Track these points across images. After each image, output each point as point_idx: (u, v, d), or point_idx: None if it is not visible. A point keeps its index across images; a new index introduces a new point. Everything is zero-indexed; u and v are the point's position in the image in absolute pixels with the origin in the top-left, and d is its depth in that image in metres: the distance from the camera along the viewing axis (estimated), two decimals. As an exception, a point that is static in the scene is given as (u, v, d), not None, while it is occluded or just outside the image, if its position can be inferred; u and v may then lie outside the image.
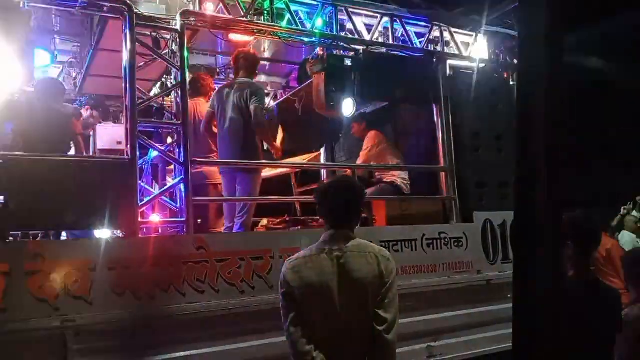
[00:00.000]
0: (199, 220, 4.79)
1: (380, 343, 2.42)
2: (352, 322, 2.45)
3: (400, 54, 5.47)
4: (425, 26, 5.67)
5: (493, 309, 4.94)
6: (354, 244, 2.57)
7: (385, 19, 5.40)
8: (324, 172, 7.07)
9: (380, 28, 5.40)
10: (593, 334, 2.68)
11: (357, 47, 5.25)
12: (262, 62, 5.89)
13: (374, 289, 2.47)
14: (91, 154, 6.00)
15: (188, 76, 4.50)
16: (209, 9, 4.70)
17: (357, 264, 2.49)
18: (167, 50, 4.55)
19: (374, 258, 2.52)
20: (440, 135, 5.49)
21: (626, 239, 7.51)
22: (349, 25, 5.27)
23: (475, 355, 4.90)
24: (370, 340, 2.44)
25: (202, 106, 5.33)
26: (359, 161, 5.99)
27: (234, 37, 5.12)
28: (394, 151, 6.13)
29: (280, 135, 6.40)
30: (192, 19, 4.47)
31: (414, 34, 5.59)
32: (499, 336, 4.79)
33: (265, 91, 7.15)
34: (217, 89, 5.42)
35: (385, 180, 5.84)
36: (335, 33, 5.12)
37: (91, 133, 6.22)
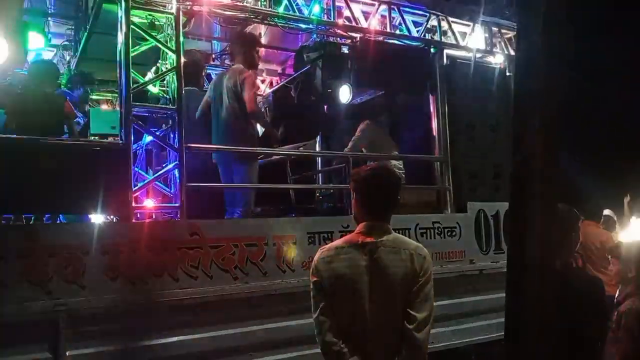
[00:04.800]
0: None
1: (410, 342, 2.34)
2: (380, 318, 2.38)
3: (398, 42, 5.45)
4: (422, 15, 5.64)
5: (485, 298, 4.99)
6: (389, 238, 2.47)
7: (383, 6, 5.36)
8: (319, 160, 7.05)
9: (377, 16, 5.37)
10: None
11: (354, 35, 5.22)
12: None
13: (406, 287, 2.38)
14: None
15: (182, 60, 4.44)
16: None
17: (390, 259, 2.41)
18: (162, 34, 4.51)
19: (408, 255, 2.42)
20: (436, 125, 5.50)
21: None
22: (347, 13, 5.24)
23: (467, 343, 4.95)
24: (399, 338, 2.37)
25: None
26: (346, 147, 5.96)
27: (230, 22, 5.07)
28: (389, 140, 6.12)
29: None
30: (188, 3, 4.42)
31: (411, 23, 5.55)
32: (491, 325, 4.84)
33: (261, 78, 7.13)
34: (211, 75, 5.33)
35: (380, 169, 5.83)
36: (332, 20, 5.09)
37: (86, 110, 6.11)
